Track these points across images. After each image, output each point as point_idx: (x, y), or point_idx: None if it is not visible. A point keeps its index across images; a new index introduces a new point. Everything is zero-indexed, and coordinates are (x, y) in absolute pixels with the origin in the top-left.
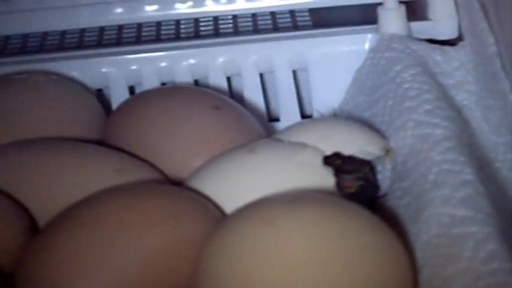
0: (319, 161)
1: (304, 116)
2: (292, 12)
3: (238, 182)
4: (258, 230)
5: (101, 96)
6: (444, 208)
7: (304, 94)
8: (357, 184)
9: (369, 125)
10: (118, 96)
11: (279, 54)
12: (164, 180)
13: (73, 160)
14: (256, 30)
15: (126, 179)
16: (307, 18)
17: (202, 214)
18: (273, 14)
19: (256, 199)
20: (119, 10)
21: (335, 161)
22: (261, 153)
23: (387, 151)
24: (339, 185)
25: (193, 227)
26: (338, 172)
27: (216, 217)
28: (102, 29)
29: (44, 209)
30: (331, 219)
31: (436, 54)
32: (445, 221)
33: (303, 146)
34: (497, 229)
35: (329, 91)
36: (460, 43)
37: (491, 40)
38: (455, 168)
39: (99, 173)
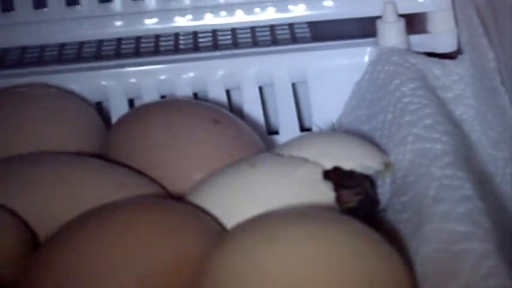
0: (319, 175)
1: (303, 129)
2: (291, 25)
3: (239, 197)
4: (259, 246)
5: (100, 109)
6: (444, 224)
7: (303, 107)
8: (356, 199)
9: (368, 139)
10: (117, 109)
11: (279, 68)
12: (164, 195)
13: (74, 174)
14: (255, 43)
15: (127, 194)
16: (306, 31)
17: (203, 229)
18: (271, 27)
19: (257, 215)
20: (118, 23)
21: (335, 176)
22: (261, 168)
23: (387, 165)
24: (338, 199)
25: (194, 243)
26: (338, 187)
27: (217, 232)
28: (100, 42)
29: (44, 224)
30: (332, 236)
31: (435, 68)
32: (445, 236)
33: (303, 160)
34: (496, 245)
35: (328, 104)
36: (459, 57)
37: (491, 55)
38: (455, 183)
39: (99, 187)
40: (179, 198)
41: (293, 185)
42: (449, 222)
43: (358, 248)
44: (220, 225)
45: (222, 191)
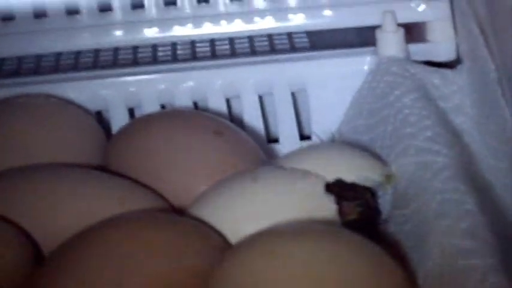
0: (321, 188)
1: (303, 137)
2: (289, 34)
3: (241, 211)
4: (263, 262)
5: (100, 118)
6: (447, 239)
7: (303, 115)
8: (358, 210)
9: (369, 150)
10: (117, 119)
11: (278, 76)
12: (167, 208)
13: (76, 188)
14: (253, 52)
15: (129, 207)
16: (305, 40)
17: (205, 244)
18: (270, 36)
19: (260, 230)
20: (116, 32)
21: (336, 188)
22: (263, 181)
23: (388, 177)
24: (340, 212)
25: (197, 257)
26: (340, 199)
27: (220, 247)
28: (97, 51)
29: (48, 237)
30: (335, 251)
31: (435, 78)
32: (448, 251)
33: (305, 173)
34: (500, 261)
35: (328, 113)
36: (459, 66)
37: (492, 66)
38: (457, 197)
39: (102, 201)
40: (181, 211)
41: (295, 198)
42: (452, 237)
43: (358, 262)
44: (223, 239)
45: (224, 204)
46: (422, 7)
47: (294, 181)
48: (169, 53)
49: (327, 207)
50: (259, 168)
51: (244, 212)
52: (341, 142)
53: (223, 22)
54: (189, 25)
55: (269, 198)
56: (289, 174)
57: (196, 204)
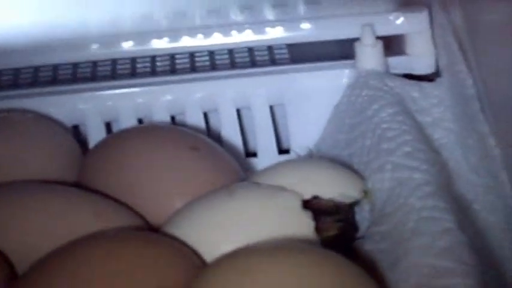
0: (298, 205)
1: (281, 151)
2: (270, 47)
3: (217, 228)
4: (237, 280)
5: (77, 132)
6: (424, 258)
7: (281, 129)
8: (336, 227)
9: (347, 165)
10: (94, 133)
11: (256, 90)
12: (143, 225)
13: (51, 205)
14: (233, 65)
15: (105, 224)
16: (285, 52)
17: (182, 262)
18: (250, 49)
19: (236, 248)
20: (94, 46)
21: (314, 205)
22: (239, 197)
23: (366, 193)
24: (318, 228)
25: (173, 276)
26: (317, 216)
27: (196, 265)
28: (75, 65)
29: (22, 256)
30: (311, 270)
31: (414, 91)
32: (425, 271)
33: (282, 189)
34: (478, 281)
35: (306, 126)
36: (438, 79)
37: (470, 82)
38: (435, 215)
39: (77, 218)
40: (157, 228)
41: (272, 214)
42: (429, 256)
43: (334, 282)
44: (198, 257)
45: (200, 222)
46: (400, 20)
47: (271, 197)
48: (148, 66)
49: (304, 224)
50: (235, 184)
51: (220, 229)
52: (319, 158)
53: (201, 35)
54: (167, 38)
55: (246, 214)
56: (265, 190)
57: (171, 222)
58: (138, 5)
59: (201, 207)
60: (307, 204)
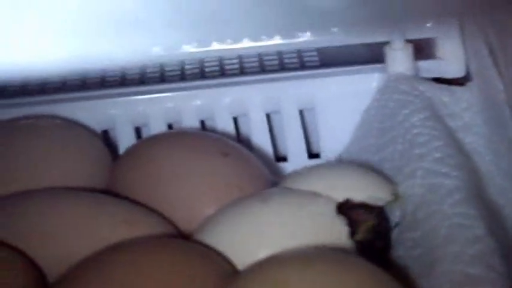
0: (332, 210)
1: (311, 155)
2: (299, 51)
3: (251, 235)
4: None
5: (107, 137)
6: (456, 266)
7: (311, 133)
8: (370, 229)
9: (377, 170)
10: (124, 138)
11: (286, 94)
12: (174, 232)
13: (81, 212)
14: (262, 70)
15: (136, 231)
16: (315, 57)
17: (213, 270)
18: (279, 53)
19: (268, 256)
20: (122, 53)
21: (347, 210)
22: (273, 204)
23: (396, 196)
24: (352, 233)
25: (204, 284)
26: (351, 220)
27: (227, 273)
28: (104, 70)
29: (53, 263)
30: (344, 278)
31: (444, 95)
32: (457, 279)
33: (315, 195)
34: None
35: (336, 131)
36: (468, 84)
37: (501, 87)
38: (466, 222)
39: (108, 225)
40: (188, 236)
41: (306, 221)
42: (461, 264)
43: None
44: (230, 265)
45: (233, 229)
46: (430, 23)
47: (304, 204)
48: (177, 71)
49: (338, 230)
50: (268, 190)
51: (253, 236)
52: (348, 162)
53: (230, 40)
54: (196, 43)
55: (279, 221)
56: (299, 197)
57: (203, 229)
58: (168, 9)
59: (233, 214)
60: (341, 209)
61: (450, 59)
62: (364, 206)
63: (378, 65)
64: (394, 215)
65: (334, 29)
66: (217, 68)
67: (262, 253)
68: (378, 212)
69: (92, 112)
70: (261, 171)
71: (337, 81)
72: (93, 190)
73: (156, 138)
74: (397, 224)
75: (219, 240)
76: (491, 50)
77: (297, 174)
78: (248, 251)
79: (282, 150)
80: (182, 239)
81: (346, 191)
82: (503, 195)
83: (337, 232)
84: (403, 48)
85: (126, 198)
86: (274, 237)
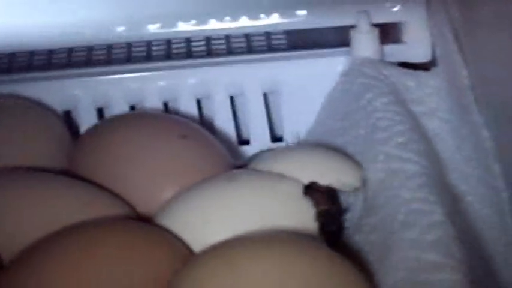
0: (299, 191)
1: (274, 139)
2: (268, 34)
3: (213, 216)
4: (222, 272)
5: (69, 118)
6: (412, 251)
7: (274, 116)
8: (334, 213)
9: (344, 153)
10: (86, 119)
11: (250, 77)
12: (132, 214)
13: (39, 192)
14: (230, 52)
15: (94, 213)
16: (283, 39)
17: (168, 252)
18: (248, 35)
19: (223, 240)
20: (88, 31)
21: (314, 192)
22: (239, 184)
23: (365, 181)
24: (317, 215)
25: (158, 266)
26: (317, 203)
27: (183, 255)
28: (70, 50)
29: (7, 244)
30: (297, 261)
31: (409, 80)
32: (413, 265)
33: (282, 176)
34: (467, 276)
35: (300, 114)
36: (433, 69)
37: (465, 72)
38: (426, 208)
39: (65, 206)
40: (147, 218)
41: (274, 201)
42: (418, 250)
43: (321, 272)
44: (186, 248)
45: (194, 211)
46: (397, 8)
47: (271, 184)
48: (143, 52)
49: (304, 211)
50: (235, 171)
51: (216, 218)
52: (314, 144)
53: (196, 21)
54: (162, 24)
55: (245, 201)
56: (266, 177)
57: (162, 211)
58: None
59: (195, 196)
60: (307, 191)
61: (416, 43)
62: (329, 189)
63: (344, 49)
64: (359, 200)
65: (301, 12)
66: (183, 50)
67: (225, 234)
68: (330, 195)
69: (55, 92)
70: (221, 154)
71: (302, 65)
72: (52, 170)
73: (116, 119)
74: (346, 209)
75: (177, 223)
76: (456, 36)
77: (262, 156)
78: (207, 233)
79: (246, 134)
80: (139, 221)
81: (312, 174)
82: (466, 182)
83: (303, 214)
84: (368, 31)
85: (85, 179)
86: (238, 218)
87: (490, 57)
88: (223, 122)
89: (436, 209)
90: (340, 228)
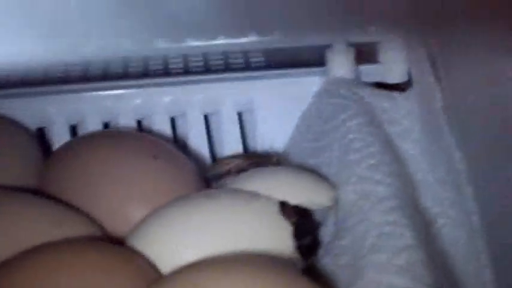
0: (275, 210)
1: None
2: (246, 52)
3: (185, 236)
4: None
5: (42, 135)
6: (382, 276)
7: (249, 135)
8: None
9: (317, 174)
10: (59, 136)
11: (224, 96)
12: (101, 235)
13: (7, 211)
14: (207, 69)
15: (62, 233)
16: (261, 57)
17: (135, 274)
18: (225, 53)
19: (191, 262)
20: (63, 49)
21: (291, 211)
22: (215, 201)
23: (336, 202)
24: (295, 233)
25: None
26: (294, 221)
27: (151, 278)
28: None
29: None
30: (264, 286)
31: (384, 101)
32: None
33: (257, 195)
34: None
35: (275, 134)
36: (409, 90)
37: (438, 95)
38: (396, 231)
39: (33, 226)
40: (118, 238)
41: (249, 219)
42: (386, 274)
43: None
44: (155, 270)
45: (163, 232)
46: (373, 28)
47: (246, 202)
48: (120, 69)
49: (281, 229)
50: (210, 190)
51: (188, 238)
52: (288, 165)
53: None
54: (139, 41)
55: (220, 220)
56: (241, 195)
57: (133, 233)
58: (111, 6)
59: (166, 217)
60: (282, 209)
61: (392, 64)
62: (304, 209)
63: (320, 68)
64: (329, 222)
65: (278, 31)
66: (160, 67)
67: (196, 255)
68: (304, 212)
69: (29, 109)
70: (192, 174)
71: (276, 84)
72: (23, 189)
73: (88, 137)
74: (317, 227)
75: (149, 245)
76: (431, 59)
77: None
78: (178, 255)
79: (219, 152)
80: (108, 241)
81: (285, 193)
82: (438, 204)
83: (279, 231)
84: (344, 51)
85: (55, 198)
86: (212, 237)
87: (464, 80)
88: (197, 140)
89: (406, 232)
90: (316, 242)
